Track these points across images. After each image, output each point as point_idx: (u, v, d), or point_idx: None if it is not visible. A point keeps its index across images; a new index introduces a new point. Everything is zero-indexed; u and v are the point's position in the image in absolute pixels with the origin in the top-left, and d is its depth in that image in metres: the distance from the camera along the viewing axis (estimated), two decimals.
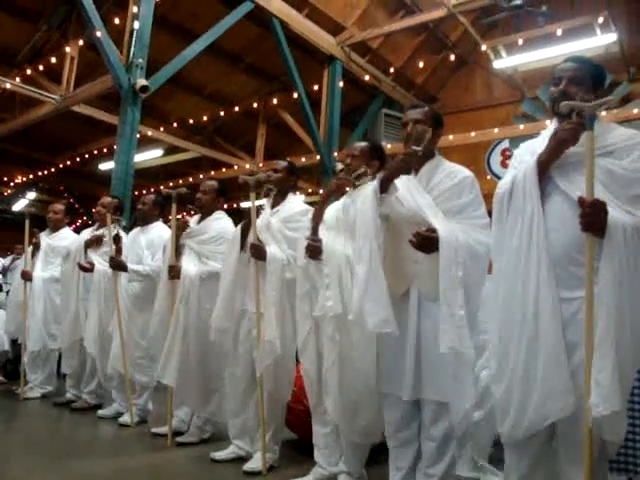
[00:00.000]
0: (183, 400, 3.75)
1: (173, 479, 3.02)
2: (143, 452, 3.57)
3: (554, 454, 2.02)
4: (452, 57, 9.25)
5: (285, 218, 3.23)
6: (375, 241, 2.35)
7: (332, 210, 2.92)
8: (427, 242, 2.25)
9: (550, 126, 2.20)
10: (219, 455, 3.30)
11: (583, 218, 1.80)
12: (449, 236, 2.24)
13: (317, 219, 2.87)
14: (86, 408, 4.51)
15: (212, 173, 10.26)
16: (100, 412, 4.35)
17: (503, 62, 8.75)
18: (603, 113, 7.64)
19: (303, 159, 8.70)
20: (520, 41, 8.25)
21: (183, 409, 3.88)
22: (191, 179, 10.40)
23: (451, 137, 7.71)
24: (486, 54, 8.89)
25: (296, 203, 3.32)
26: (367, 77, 9.09)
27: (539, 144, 2.12)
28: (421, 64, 9.14)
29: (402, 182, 2.42)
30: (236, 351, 3.28)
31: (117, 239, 4.34)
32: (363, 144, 2.94)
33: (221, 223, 3.76)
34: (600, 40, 7.85)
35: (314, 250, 2.74)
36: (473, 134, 7.79)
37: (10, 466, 3.10)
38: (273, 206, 3.33)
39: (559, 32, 7.80)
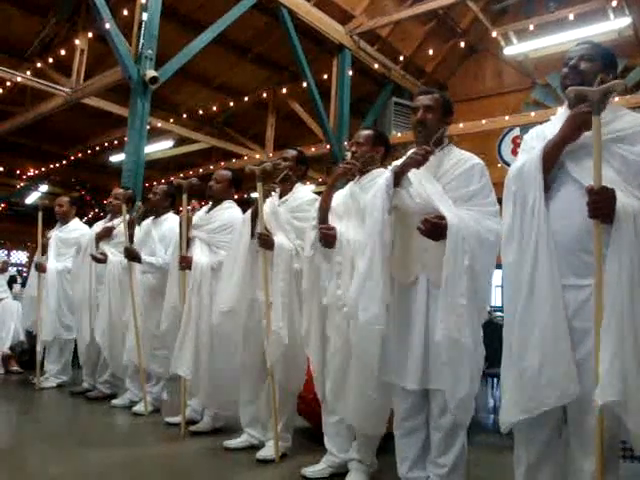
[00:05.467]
0: (193, 393, 3.77)
1: (186, 467, 3.05)
2: (157, 441, 3.60)
3: (563, 445, 2.00)
4: (462, 44, 9.18)
5: (293, 208, 3.19)
6: (380, 239, 2.35)
7: (340, 197, 2.88)
8: (435, 229, 2.25)
9: (560, 110, 2.16)
10: (232, 443, 3.32)
11: (591, 205, 1.79)
12: (457, 223, 2.23)
13: (326, 205, 2.82)
14: (101, 398, 4.57)
15: (222, 164, 10.26)
16: (114, 401, 4.40)
17: (514, 49, 8.66)
18: (616, 99, 7.57)
19: (313, 149, 8.68)
20: (531, 27, 8.16)
21: (196, 399, 3.90)
22: (201, 170, 10.40)
23: (461, 125, 7.65)
24: (496, 41, 8.80)
25: (304, 192, 3.28)
26: (376, 66, 9.04)
27: (549, 129, 2.09)
28: (431, 52, 9.07)
29: (412, 171, 2.42)
30: (247, 341, 3.26)
31: (131, 225, 4.36)
32: (367, 131, 2.92)
33: (231, 212, 3.73)
34: (613, 24, 7.73)
35: (329, 238, 2.69)
36: (484, 122, 7.72)
37: (26, 454, 3.14)
38: (281, 195, 3.30)
39: (571, 17, 7.70)
